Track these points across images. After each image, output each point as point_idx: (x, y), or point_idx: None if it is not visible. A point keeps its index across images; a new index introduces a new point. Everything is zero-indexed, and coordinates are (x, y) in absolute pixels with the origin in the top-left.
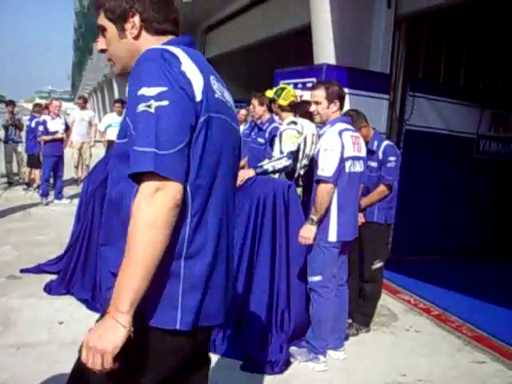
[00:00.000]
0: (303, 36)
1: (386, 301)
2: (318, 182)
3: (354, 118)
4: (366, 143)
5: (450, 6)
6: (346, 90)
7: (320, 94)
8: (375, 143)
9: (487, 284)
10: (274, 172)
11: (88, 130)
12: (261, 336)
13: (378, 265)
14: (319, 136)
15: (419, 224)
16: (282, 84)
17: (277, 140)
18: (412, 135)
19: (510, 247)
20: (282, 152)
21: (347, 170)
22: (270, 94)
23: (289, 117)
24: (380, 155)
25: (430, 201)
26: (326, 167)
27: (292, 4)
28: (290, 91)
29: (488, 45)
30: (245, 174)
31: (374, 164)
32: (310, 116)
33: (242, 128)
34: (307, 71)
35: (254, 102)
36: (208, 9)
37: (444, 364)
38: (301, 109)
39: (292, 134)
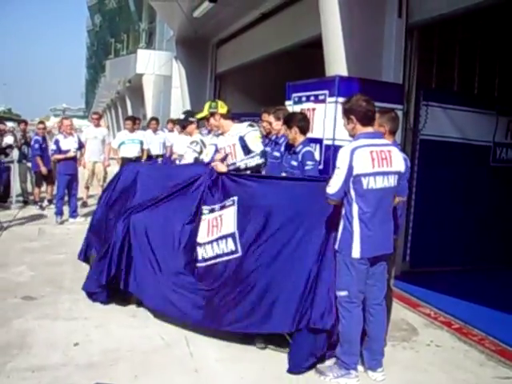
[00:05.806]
0: (315, 48)
1: (405, 315)
2: (327, 198)
3: None
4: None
5: (463, 14)
6: None
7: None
8: None
9: (509, 295)
10: (246, 169)
11: (101, 149)
12: None
13: None
14: None
15: (436, 235)
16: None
17: (238, 146)
18: (427, 145)
19: None
20: (250, 152)
21: (365, 186)
22: (200, 115)
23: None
24: None
25: (447, 211)
26: (332, 185)
27: (303, 16)
28: (220, 101)
29: (502, 51)
30: (218, 167)
31: None
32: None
33: None
34: (319, 83)
35: (270, 118)
36: (218, 23)
37: (467, 380)
38: (294, 119)
39: (257, 135)
